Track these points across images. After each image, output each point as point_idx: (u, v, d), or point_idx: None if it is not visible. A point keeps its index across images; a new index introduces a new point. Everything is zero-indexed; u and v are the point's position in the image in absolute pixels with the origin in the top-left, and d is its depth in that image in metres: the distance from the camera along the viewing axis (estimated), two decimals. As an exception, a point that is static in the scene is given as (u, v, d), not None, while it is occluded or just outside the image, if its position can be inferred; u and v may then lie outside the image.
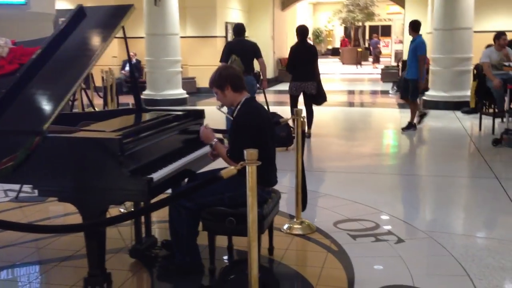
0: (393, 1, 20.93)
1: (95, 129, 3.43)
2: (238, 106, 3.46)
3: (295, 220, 4.40)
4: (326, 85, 17.78)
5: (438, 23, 11.59)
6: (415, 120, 9.11)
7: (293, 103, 8.54)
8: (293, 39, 22.60)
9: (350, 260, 3.76)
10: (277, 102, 13.68)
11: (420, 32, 8.88)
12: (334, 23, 34.77)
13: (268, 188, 3.58)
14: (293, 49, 8.34)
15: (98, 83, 10.59)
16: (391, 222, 4.56)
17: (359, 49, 29.45)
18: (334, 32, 38.24)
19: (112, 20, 3.87)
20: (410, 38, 13.61)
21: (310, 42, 8.40)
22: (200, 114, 4.19)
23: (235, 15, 16.74)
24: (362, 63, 28.76)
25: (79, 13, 3.90)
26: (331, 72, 23.85)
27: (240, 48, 7.62)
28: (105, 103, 9.59)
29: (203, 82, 3.23)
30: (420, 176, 6.43)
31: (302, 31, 8.42)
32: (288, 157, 4.36)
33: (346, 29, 35.35)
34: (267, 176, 3.43)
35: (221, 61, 7.72)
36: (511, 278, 3.51)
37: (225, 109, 3.92)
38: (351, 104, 14.31)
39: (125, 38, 4.05)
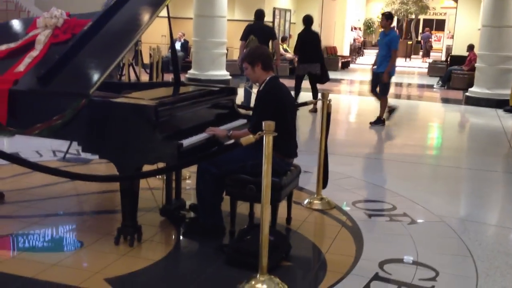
0: (447, -5, 20.70)
1: (135, 97, 3.79)
2: (263, 84, 3.77)
3: (315, 196, 4.67)
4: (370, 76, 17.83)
5: (487, 20, 11.53)
6: (384, 116, 8.97)
7: (297, 83, 9.81)
8: (341, 28, 22.68)
9: (362, 235, 4.02)
10: (320, 90, 13.89)
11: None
12: (387, 14, 34.36)
13: (288, 160, 3.87)
14: (300, 35, 9.79)
15: (146, 60, 11.03)
16: (409, 205, 4.77)
17: (409, 42, 29.11)
18: (386, 24, 37.74)
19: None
20: (460, 33, 13.42)
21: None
22: (233, 90, 4.52)
23: (284, 1, 16.93)
24: (413, 56, 28.51)
25: (129, -10, 4.24)
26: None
27: (260, 31, 8.85)
28: (150, 79, 10.00)
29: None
30: (446, 167, 6.57)
31: (307, 20, 9.83)
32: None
33: (398, 21, 34.93)
34: (286, 147, 3.75)
35: (241, 39, 9.02)
36: (513, 262, 3.70)
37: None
38: (394, 96, 14.34)
39: (168, 17, 4.36)
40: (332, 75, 18.01)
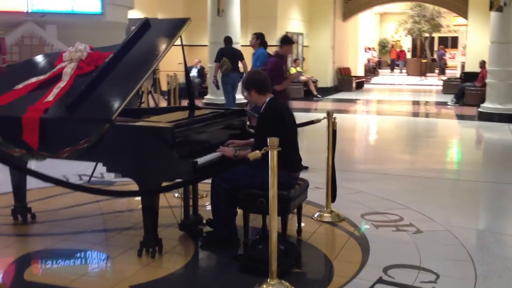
0: (457, 13, 20.95)
1: (153, 120, 4.14)
2: (263, 106, 4.10)
3: (325, 209, 4.94)
4: (386, 96, 18.23)
5: (494, 36, 11.76)
6: None
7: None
8: (355, 49, 23.06)
9: (369, 244, 4.27)
10: (335, 110, 14.30)
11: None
12: (401, 33, 34.70)
13: (294, 174, 4.16)
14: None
15: (164, 87, 11.44)
16: (415, 216, 5.00)
17: (424, 60, 29.37)
18: (401, 43, 38.06)
19: (171, 31, 4.52)
20: (472, 49, 13.33)
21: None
22: (244, 112, 4.85)
23: (295, 25, 17.34)
24: (428, 74, 28.73)
25: (145, 25, 4.62)
26: (392, 83, 24.13)
27: (230, 53, 10.65)
28: (168, 105, 10.39)
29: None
30: (457, 180, 6.80)
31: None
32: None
33: (413, 40, 35.22)
34: (291, 163, 4.05)
35: (215, 61, 10.64)
36: (511, 266, 3.91)
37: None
38: (406, 114, 14.57)
39: (182, 46, 4.71)
40: (346, 95, 18.43)
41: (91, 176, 6.06)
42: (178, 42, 4.45)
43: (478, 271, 3.76)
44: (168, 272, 3.71)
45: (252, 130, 4.81)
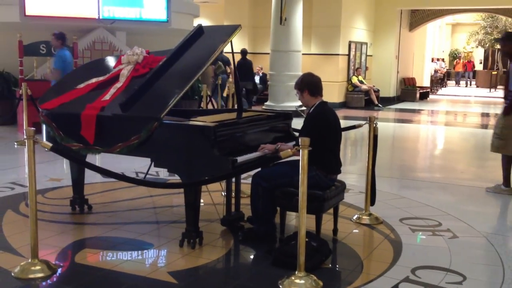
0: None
1: (199, 120, 4.43)
2: (312, 108, 4.29)
3: (364, 212, 5.08)
4: (448, 107, 17.89)
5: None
6: None
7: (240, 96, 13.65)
8: (421, 60, 22.74)
9: (402, 246, 4.38)
10: (398, 119, 14.32)
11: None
12: (472, 45, 33.84)
13: (331, 176, 4.33)
14: (238, 62, 13.30)
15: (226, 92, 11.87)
16: (455, 223, 5.04)
17: (494, 72, 28.50)
18: (472, 54, 37.05)
19: (222, 37, 4.80)
20: None
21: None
22: (288, 115, 5.07)
23: (359, 34, 17.36)
24: (499, 87, 27.84)
25: (199, 31, 4.94)
26: (459, 95, 23.61)
27: (221, 59, 13.07)
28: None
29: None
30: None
31: (243, 52, 13.96)
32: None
33: (485, 51, 34.24)
34: (329, 164, 4.24)
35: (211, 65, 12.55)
36: (542, 273, 3.92)
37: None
38: (467, 125, 14.30)
39: (232, 53, 5.00)
40: (408, 105, 18.23)
41: (146, 173, 6.44)
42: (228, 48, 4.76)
43: (506, 275, 3.81)
44: (205, 262, 3.98)
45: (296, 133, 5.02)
